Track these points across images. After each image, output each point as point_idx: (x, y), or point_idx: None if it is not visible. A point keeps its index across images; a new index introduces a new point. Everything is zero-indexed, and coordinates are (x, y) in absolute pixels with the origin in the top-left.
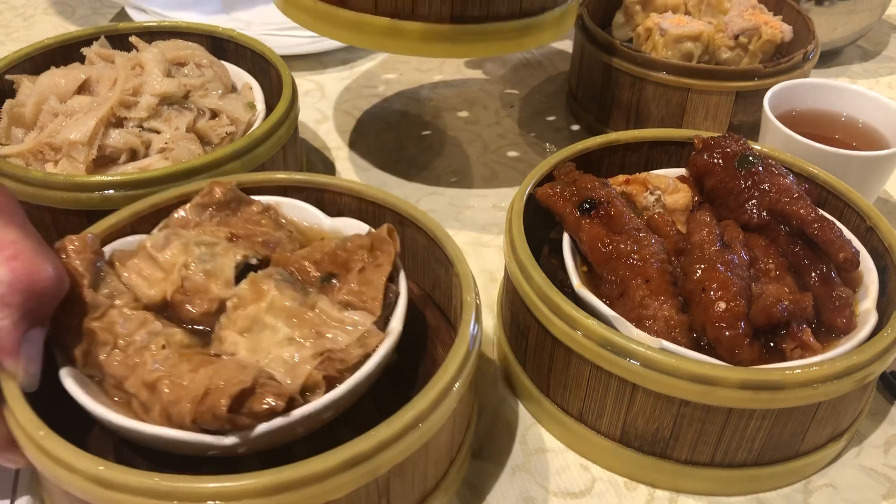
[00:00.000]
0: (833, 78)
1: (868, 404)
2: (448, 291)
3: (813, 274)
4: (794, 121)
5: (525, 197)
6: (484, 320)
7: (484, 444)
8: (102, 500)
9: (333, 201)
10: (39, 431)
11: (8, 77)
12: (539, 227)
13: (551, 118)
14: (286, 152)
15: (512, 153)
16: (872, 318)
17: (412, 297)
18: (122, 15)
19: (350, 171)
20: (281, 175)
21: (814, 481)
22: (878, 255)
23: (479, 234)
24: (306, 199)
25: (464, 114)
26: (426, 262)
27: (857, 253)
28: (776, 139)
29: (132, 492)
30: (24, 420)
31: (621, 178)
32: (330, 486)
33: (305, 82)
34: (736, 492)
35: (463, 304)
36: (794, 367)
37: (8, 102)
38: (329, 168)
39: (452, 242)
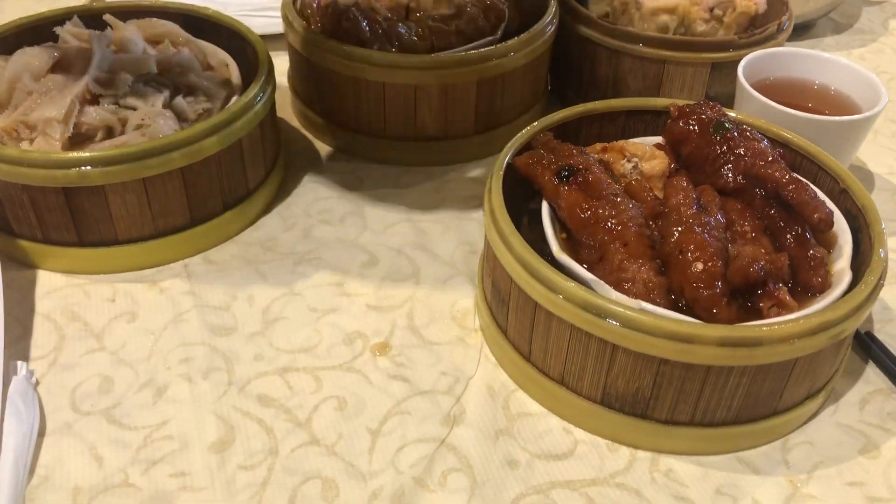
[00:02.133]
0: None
1: (844, 363)
2: None
3: (788, 235)
4: (768, 89)
5: (503, 166)
6: (466, 291)
7: (467, 411)
8: None
9: None
10: None
11: None
12: (518, 198)
13: None
14: (264, 129)
15: None
16: (847, 277)
17: None
18: None
19: (327, 150)
20: None
21: (792, 439)
22: (852, 216)
23: (461, 208)
24: None
25: None
26: None
27: (831, 213)
28: (750, 107)
29: None
30: None
31: (598, 146)
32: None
33: (283, 62)
34: (716, 450)
35: None
36: (771, 323)
37: None
38: (308, 147)
39: None
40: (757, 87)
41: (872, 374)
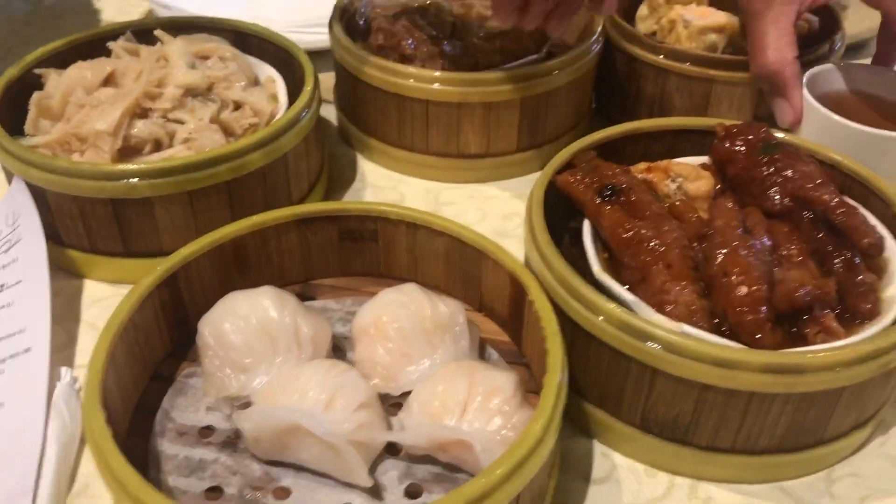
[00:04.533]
0: None
1: (894, 392)
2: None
3: (837, 260)
4: (833, 103)
5: (545, 184)
6: None
7: None
8: None
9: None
10: None
11: (36, 71)
12: (559, 216)
13: None
14: (309, 144)
15: None
16: None
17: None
18: (148, 14)
19: (370, 166)
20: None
21: (837, 470)
22: None
23: (502, 225)
24: None
25: None
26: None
27: (881, 238)
28: (814, 121)
29: None
30: None
31: (643, 165)
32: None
33: (329, 77)
34: (758, 479)
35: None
36: (815, 350)
37: (36, 94)
38: (352, 161)
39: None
40: (821, 102)
41: None
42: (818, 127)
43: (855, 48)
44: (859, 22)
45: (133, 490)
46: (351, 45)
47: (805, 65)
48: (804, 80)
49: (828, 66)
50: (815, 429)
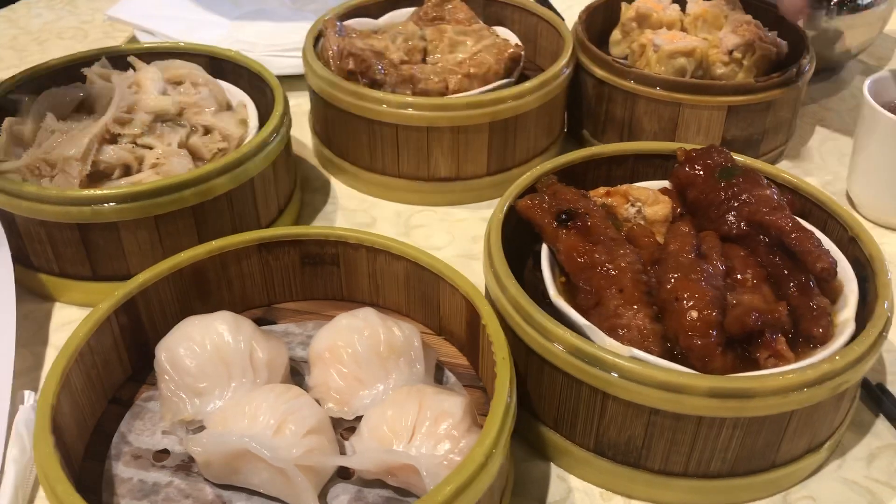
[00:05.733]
0: (834, 94)
1: (850, 416)
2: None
3: (791, 284)
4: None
5: (506, 208)
6: None
7: None
8: None
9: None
10: None
11: (11, 97)
12: (524, 239)
13: None
14: (277, 168)
15: None
16: (850, 328)
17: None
18: (132, 40)
19: (343, 189)
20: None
21: (793, 493)
22: (861, 265)
23: (469, 248)
24: None
25: None
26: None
27: (834, 263)
28: (876, 127)
29: None
30: None
31: (602, 190)
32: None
33: (307, 101)
34: (712, 502)
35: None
36: (763, 375)
37: (7, 120)
38: (325, 184)
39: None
40: (887, 109)
41: (883, 429)
42: (882, 134)
43: (828, 71)
44: (829, 46)
45: None
46: (323, 71)
47: (771, 88)
48: (867, 86)
49: (886, 73)
50: (766, 452)
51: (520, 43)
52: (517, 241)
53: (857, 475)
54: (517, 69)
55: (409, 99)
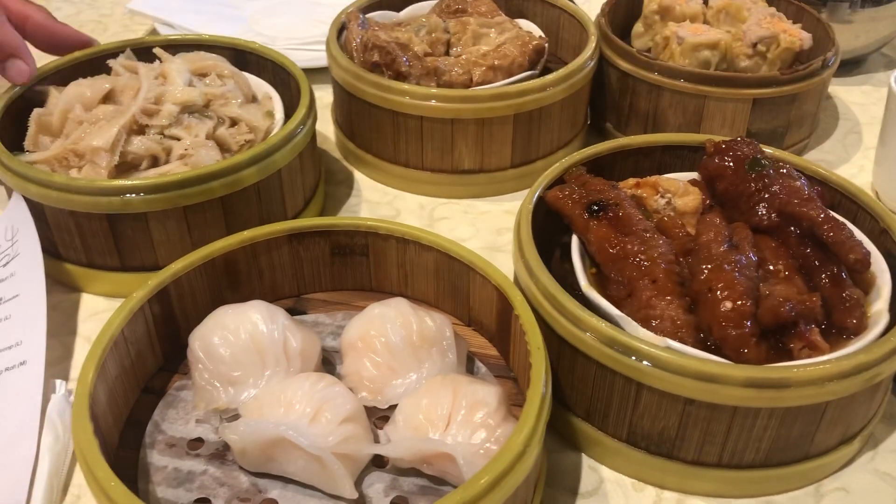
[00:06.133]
0: (857, 87)
1: (882, 407)
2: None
3: (823, 275)
4: None
5: (535, 200)
6: None
7: None
8: None
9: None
10: None
11: (37, 88)
12: (551, 231)
13: None
14: (303, 160)
15: None
16: (884, 319)
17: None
18: (152, 32)
19: (367, 182)
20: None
21: (825, 485)
22: (893, 256)
23: (494, 240)
24: None
25: None
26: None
27: (867, 253)
28: None
29: None
30: None
31: (632, 181)
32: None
33: (329, 94)
34: (745, 494)
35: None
36: (799, 365)
37: (35, 111)
38: (349, 177)
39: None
40: None
41: None
42: None
43: (852, 64)
44: (854, 38)
45: (118, 500)
46: (347, 63)
47: (796, 81)
48: (893, 79)
49: None
50: (800, 443)
51: (543, 35)
52: (543, 233)
53: (889, 467)
54: (541, 61)
55: (434, 91)
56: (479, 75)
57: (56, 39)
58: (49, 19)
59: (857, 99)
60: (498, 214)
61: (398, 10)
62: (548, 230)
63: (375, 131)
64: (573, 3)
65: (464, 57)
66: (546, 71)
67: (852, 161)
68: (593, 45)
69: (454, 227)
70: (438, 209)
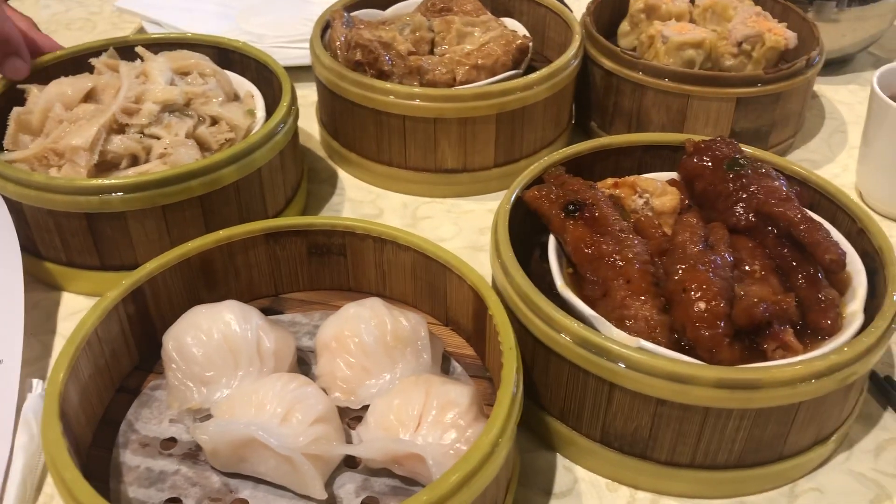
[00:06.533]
0: (843, 86)
1: (857, 408)
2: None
3: (799, 275)
4: None
5: (513, 199)
6: None
7: None
8: None
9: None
10: None
11: (19, 86)
12: (532, 230)
13: None
14: (284, 159)
15: None
16: (858, 320)
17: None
18: (140, 31)
19: (350, 180)
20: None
21: (800, 485)
22: (869, 257)
23: (476, 239)
24: None
25: None
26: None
27: (843, 254)
28: (886, 119)
29: None
30: None
31: (610, 181)
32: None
33: (314, 93)
34: (719, 494)
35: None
36: (770, 366)
37: (15, 110)
38: (332, 175)
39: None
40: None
41: (890, 421)
42: (894, 126)
43: (839, 63)
44: (840, 37)
45: (84, 501)
46: (330, 61)
47: (781, 80)
48: (876, 79)
49: (895, 65)
50: (774, 444)
51: (528, 34)
52: (524, 232)
53: (864, 467)
54: (525, 60)
55: (417, 90)
56: (463, 74)
57: (36, 50)
58: (33, 29)
59: (843, 98)
60: (481, 214)
61: (384, 8)
62: (528, 230)
63: (359, 130)
64: (562, 2)
65: (447, 56)
66: (531, 70)
67: (837, 160)
68: (577, 44)
69: (437, 227)
70: (422, 208)
